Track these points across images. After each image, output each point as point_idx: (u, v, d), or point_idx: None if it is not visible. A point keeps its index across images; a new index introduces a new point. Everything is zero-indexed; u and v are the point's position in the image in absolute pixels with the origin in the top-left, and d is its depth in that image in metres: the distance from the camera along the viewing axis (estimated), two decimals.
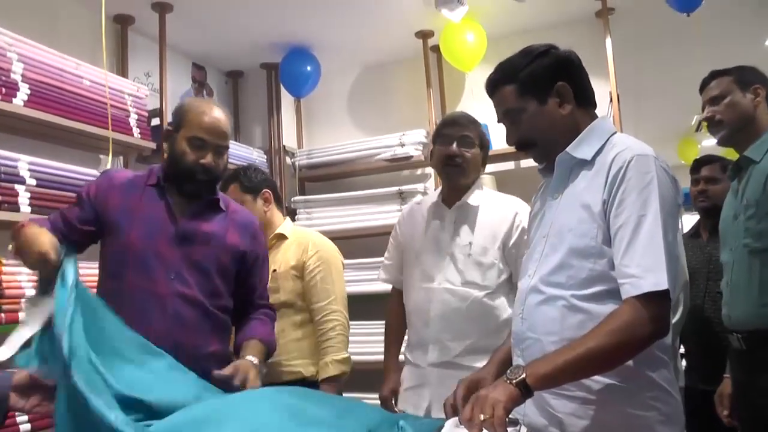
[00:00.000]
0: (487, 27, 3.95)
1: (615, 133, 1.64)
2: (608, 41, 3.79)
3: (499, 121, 1.73)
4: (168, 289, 2.01)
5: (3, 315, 2.49)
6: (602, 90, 3.79)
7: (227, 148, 2.15)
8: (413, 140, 4.11)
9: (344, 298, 2.72)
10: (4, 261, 2.55)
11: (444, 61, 4.24)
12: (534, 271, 1.62)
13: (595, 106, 1.69)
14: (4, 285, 2.52)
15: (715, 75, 2.42)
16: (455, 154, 2.34)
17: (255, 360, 2.02)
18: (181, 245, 2.06)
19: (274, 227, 2.78)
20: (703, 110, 2.43)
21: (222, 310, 2.15)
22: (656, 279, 1.40)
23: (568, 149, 1.61)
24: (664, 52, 3.90)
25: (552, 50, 1.65)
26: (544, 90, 1.62)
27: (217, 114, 2.11)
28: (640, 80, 3.93)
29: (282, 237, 2.77)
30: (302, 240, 2.74)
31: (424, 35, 4.21)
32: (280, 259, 2.70)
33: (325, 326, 2.62)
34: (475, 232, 2.35)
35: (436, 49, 4.29)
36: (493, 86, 1.69)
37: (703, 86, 2.45)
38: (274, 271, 2.65)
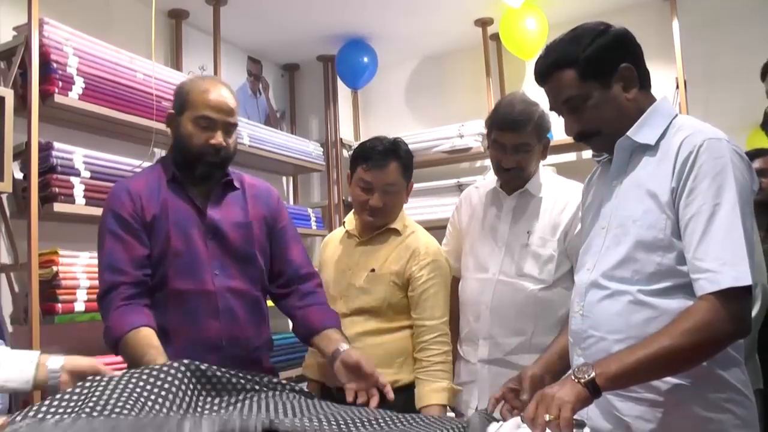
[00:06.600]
0: (548, 12, 3.83)
1: (677, 115, 1.53)
2: (675, 24, 3.64)
3: (552, 109, 1.61)
4: (215, 285, 1.94)
5: (60, 305, 2.53)
6: (669, 76, 3.63)
7: (236, 125, 2.04)
8: (472, 131, 4.02)
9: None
10: (60, 252, 2.57)
11: (504, 50, 4.15)
12: (594, 265, 1.52)
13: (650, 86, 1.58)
14: (61, 276, 2.55)
15: None
16: (510, 167, 2.19)
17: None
18: (215, 237, 1.98)
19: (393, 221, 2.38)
20: None
21: (265, 294, 2.12)
22: (737, 273, 1.29)
23: (628, 133, 1.50)
24: (736, 35, 3.68)
25: (610, 28, 1.53)
26: (608, 73, 1.49)
27: (222, 91, 1.99)
28: (709, 66, 3.73)
29: (392, 232, 2.35)
30: (412, 242, 2.32)
31: (483, 23, 4.12)
32: (382, 259, 2.31)
33: (437, 348, 2.20)
34: (535, 222, 2.21)
35: (495, 37, 4.19)
36: (547, 72, 1.54)
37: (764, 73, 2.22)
38: (372, 270, 2.29)
